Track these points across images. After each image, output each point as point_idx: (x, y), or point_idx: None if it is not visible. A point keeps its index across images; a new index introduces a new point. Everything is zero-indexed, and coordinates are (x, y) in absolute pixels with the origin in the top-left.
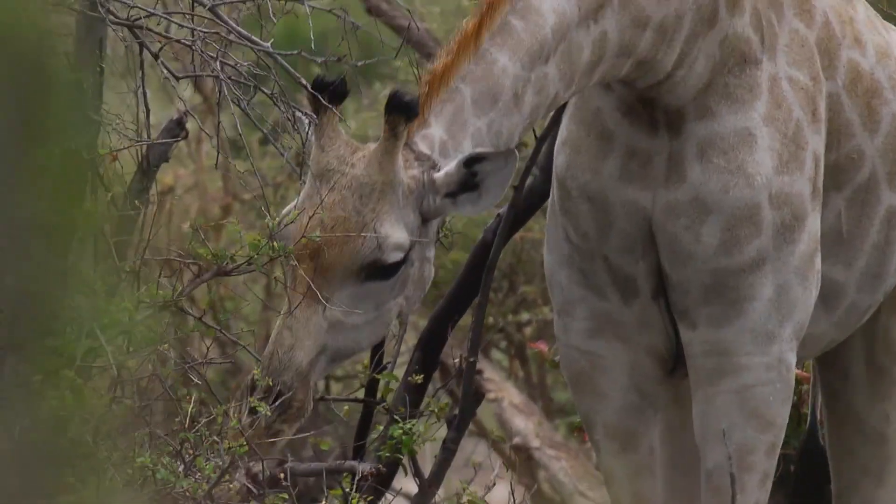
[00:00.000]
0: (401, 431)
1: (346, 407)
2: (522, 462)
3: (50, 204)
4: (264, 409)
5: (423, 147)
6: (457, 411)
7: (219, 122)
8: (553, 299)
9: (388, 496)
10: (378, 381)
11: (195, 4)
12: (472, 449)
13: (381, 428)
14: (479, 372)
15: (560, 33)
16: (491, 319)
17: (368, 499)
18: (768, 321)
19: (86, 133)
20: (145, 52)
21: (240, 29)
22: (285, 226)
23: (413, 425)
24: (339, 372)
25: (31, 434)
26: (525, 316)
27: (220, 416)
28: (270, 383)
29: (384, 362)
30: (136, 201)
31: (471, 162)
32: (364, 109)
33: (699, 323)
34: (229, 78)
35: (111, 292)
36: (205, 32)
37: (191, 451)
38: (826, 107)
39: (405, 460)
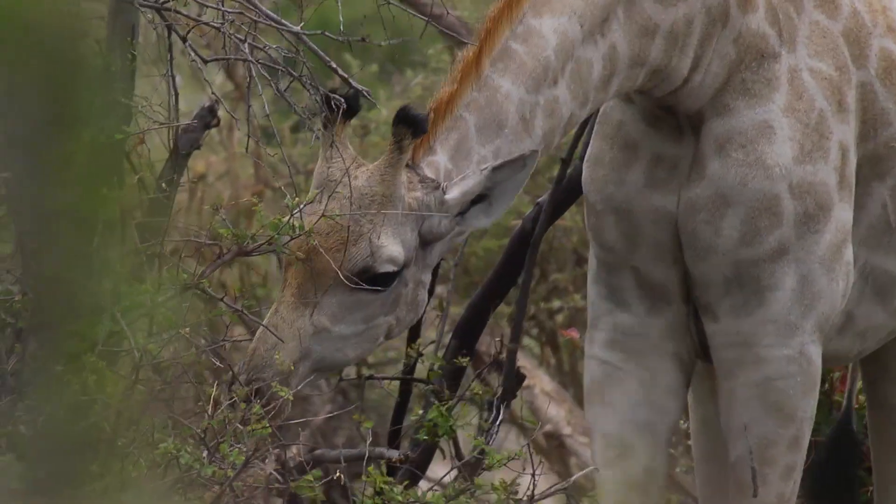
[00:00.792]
0: (437, 412)
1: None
2: (554, 449)
3: (77, 189)
4: (241, 406)
5: (428, 172)
6: (497, 395)
7: (248, 106)
8: (588, 312)
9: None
10: (416, 363)
11: None
12: (504, 437)
13: (419, 413)
14: (516, 359)
15: (564, 53)
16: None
17: (405, 483)
18: (790, 312)
19: (115, 119)
20: (175, 37)
21: (268, 12)
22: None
23: (451, 406)
24: (371, 359)
25: (55, 420)
26: (556, 303)
27: (243, 403)
28: (245, 381)
29: (422, 348)
30: (166, 186)
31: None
32: (396, 97)
33: (721, 314)
34: (258, 61)
35: (135, 276)
36: (234, 15)
37: (215, 437)
38: (857, 96)
39: (444, 443)
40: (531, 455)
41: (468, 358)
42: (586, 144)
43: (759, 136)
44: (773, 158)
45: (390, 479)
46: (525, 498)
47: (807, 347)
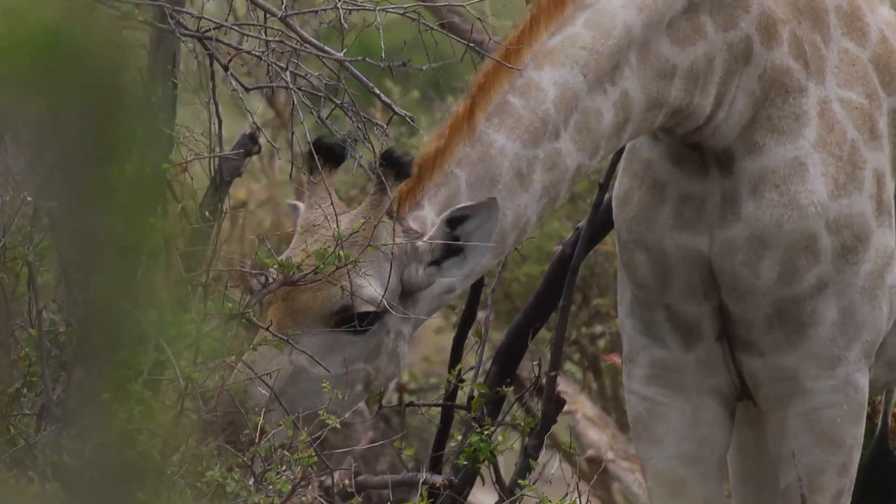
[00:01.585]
0: (478, 438)
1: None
2: (596, 474)
3: (121, 219)
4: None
5: (414, 226)
6: (538, 421)
7: (291, 133)
8: (623, 347)
9: None
10: (457, 389)
11: (266, 16)
12: (545, 461)
13: (459, 439)
14: (556, 385)
15: (565, 105)
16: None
17: None
18: (833, 345)
19: (158, 148)
20: (216, 65)
21: (311, 38)
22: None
23: (492, 432)
24: (413, 385)
25: (101, 449)
26: (598, 328)
27: (289, 431)
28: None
29: (463, 375)
30: (208, 214)
31: (454, 223)
32: (438, 124)
33: (765, 351)
34: (299, 89)
35: (180, 305)
36: (275, 42)
37: (261, 465)
38: (889, 122)
39: (485, 468)
40: (577, 484)
41: (511, 387)
42: None
43: (791, 174)
44: (807, 197)
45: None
46: None
47: (852, 376)
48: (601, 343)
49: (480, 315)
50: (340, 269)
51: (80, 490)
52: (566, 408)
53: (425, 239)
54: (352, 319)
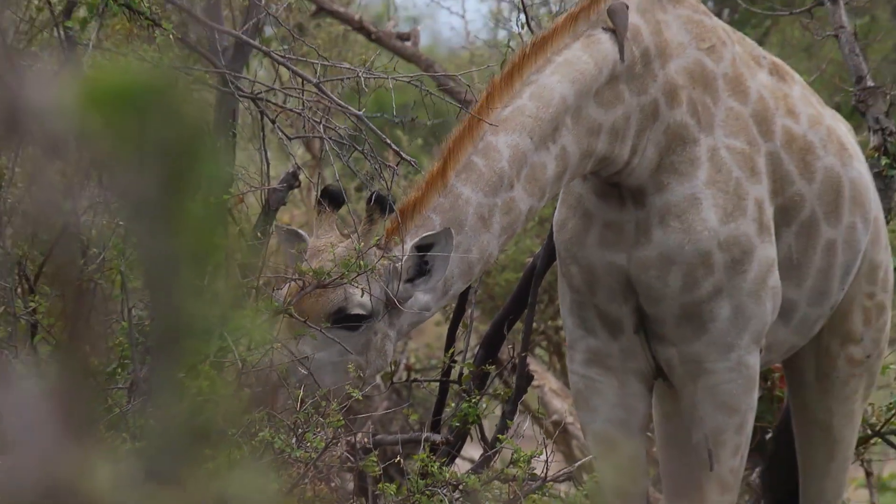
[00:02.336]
0: (468, 405)
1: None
2: (559, 433)
3: (193, 238)
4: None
5: (396, 254)
6: (513, 392)
7: (318, 173)
8: (566, 337)
9: (459, 461)
10: (451, 368)
11: (304, 82)
12: (519, 422)
13: (453, 406)
14: (527, 364)
15: (517, 162)
16: (535, 324)
17: (443, 461)
18: (728, 335)
19: (221, 184)
20: (266, 119)
21: (338, 100)
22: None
23: (478, 400)
24: (418, 366)
25: (177, 416)
26: (561, 321)
27: (322, 402)
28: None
29: (456, 357)
30: (260, 234)
31: (421, 248)
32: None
33: (675, 342)
34: (331, 139)
35: (238, 304)
36: (311, 102)
37: (302, 427)
38: (767, 162)
39: (473, 429)
40: (545, 443)
41: (493, 365)
42: None
43: (689, 207)
44: (702, 224)
45: (433, 457)
46: (542, 476)
47: (744, 358)
48: (562, 333)
49: (468, 312)
50: (339, 282)
51: (161, 447)
52: (535, 382)
53: (402, 260)
54: (346, 319)
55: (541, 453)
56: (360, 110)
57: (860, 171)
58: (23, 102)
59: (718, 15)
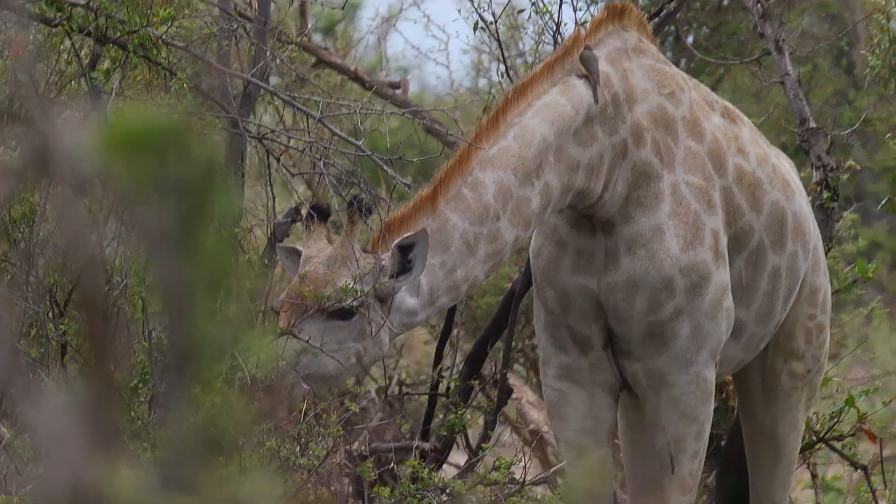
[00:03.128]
0: (454, 416)
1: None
2: (536, 441)
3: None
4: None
5: (383, 257)
6: (494, 404)
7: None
8: (540, 354)
9: (445, 467)
10: (439, 382)
11: (307, 117)
12: (500, 432)
13: (441, 417)
14: (507, 379)
15: (503, 197)
16: (514, 343)
17: (432, 467)
18: (687, 351)
19: (232, 217)
20: (272, 158)
21: (339, 132)
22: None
23: (463, 412)
24: (409, 381)
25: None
26: (536, 340)
27: (323, 414)
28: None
29: (443, 372)
30: (267, 263)
31: (403, 249)
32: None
33: (640, 357)
34: (329, 174)
35: (247, 326)
36: (311, 143)
37: (305, 437)
38: (721, 196)
39: (459, 437)
40: (524, 450)
41: (477, 380)
42: None
43: (653, 237)
44: (665, 252)
45: (423, 463)
46: (520, 480)
47: (702, 372)
48: (538, 351)
49: (455, 332)
50: (328, 277)
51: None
52: (514, 395)
53: (386, 259)
54: (339, 311)
55: (520, 460)
56: (359, 140)
57: (801, 204)
58: (53, 146)
59: (676, 63)
